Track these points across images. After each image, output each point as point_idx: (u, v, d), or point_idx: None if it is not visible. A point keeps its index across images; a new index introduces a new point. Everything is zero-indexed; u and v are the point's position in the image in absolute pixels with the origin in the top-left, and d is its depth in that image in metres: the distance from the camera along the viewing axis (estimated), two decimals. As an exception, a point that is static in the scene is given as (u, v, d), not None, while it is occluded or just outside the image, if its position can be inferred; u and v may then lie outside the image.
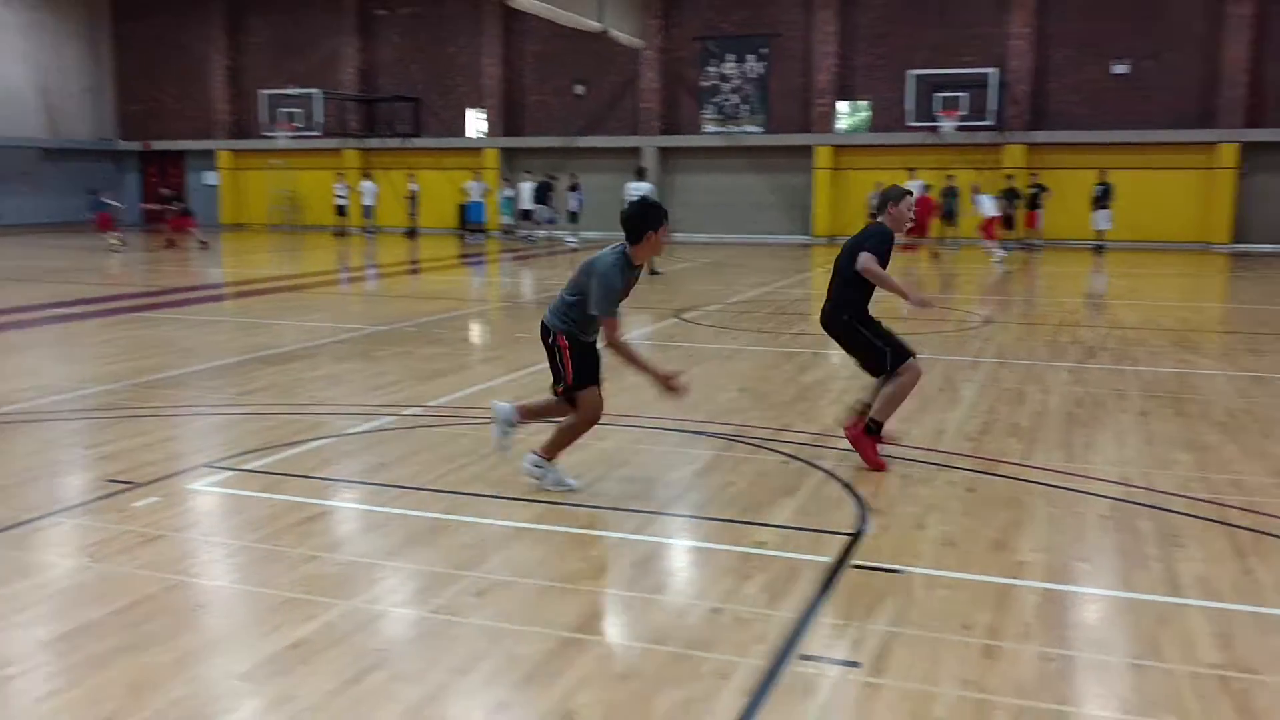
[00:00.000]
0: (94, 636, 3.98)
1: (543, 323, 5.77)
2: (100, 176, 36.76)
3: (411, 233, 30.98)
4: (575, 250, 26.21)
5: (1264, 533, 5.21)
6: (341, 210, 31.30)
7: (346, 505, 5.74)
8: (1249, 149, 25.83)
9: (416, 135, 33.21)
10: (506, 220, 30.57)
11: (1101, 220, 25.19)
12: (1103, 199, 25.16)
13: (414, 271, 21.34)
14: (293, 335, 11.75)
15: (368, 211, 31.10)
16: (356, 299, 16.47)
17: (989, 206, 22.66)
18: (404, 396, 8.43)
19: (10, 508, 5.51)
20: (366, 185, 31.18)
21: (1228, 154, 25.81)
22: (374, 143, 33.74)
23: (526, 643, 3.94)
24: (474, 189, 30.68)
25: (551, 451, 5.83)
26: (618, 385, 8.80)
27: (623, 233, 5.70)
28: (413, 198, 30.99)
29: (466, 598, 4.37)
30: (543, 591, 4.44)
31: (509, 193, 30.40)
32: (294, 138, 32.49)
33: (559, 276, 19.68)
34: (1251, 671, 3.76)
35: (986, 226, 22.67)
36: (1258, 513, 5.51)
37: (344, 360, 10.17)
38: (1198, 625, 4.15)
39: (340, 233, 31.21)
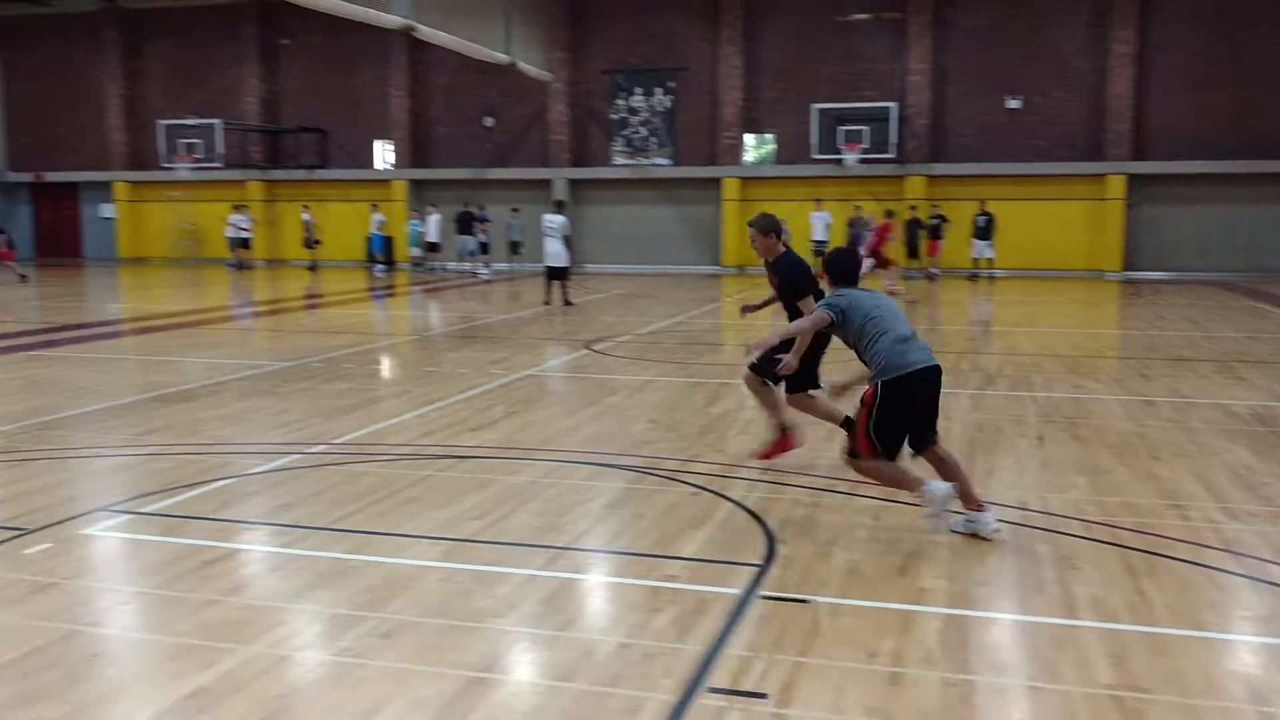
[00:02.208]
0: (-20, 692, 3.83)
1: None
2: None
3: (313, 266, 30.47)
4: (488, 282, 26.11)
5: (1155, 554, 5.40)
6: (245, 243, 30.66)
7: (249, 547, 5.62)
8: (1136, 180, 26.91)
9: (323, 167, 32.81)
10: (415, 252, 30.34)
11: (984, 249, 26.08)
12: (985, 229, 26.07)
13: (321, 305, 21.03)
14: (194, 372, 11.48)
15: (245, 243, 30.47)
16: (261, 334, 16.16)
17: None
18: (309, 434, 8.29)
19: (-110, 558, 5.28)
20: (237, 218, 30.58)
21: (1116, 185, 26.84)
22: (278, 174, 33.24)
23: (433, 684, 3.90)
24: (374, 221, 30.34)
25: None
26: (526, 420, 8.81)
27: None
28: (306, 228, 30.42)
29: (372, 640, 4.30)
30: (449, 631, 4.40)
31: (417, 225, 30.19)
32: (195, 169, 31.81)
33: (468, 308, 19.60)
34: (1145, 691, 3.89)
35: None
36: (1149, 534, 5.71)
37: (248, 397, 9.97)
38: (1093, 646, 4.28)
39: (243, 266, 30.59)
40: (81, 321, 17.63)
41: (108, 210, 35.17)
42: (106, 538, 5.72)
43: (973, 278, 26.20)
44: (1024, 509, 6.23)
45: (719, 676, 3.98)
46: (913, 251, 26.51)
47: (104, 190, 35.01)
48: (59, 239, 36.42)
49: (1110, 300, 21.56)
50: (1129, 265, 27.19)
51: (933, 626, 4.49)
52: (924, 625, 4.50)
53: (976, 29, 27.66)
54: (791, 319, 6.91)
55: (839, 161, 27.86)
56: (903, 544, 5.55)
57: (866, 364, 5.72)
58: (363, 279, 27.64)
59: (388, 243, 30.62)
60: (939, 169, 27.99)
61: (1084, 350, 13.41)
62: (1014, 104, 27.54)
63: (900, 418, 5.61)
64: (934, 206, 27.08)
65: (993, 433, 8.36)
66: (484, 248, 28.64)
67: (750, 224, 7.26)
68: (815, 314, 5.88)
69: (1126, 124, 26.70)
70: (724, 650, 4.20)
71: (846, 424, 6.14)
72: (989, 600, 4.87)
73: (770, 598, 4.79)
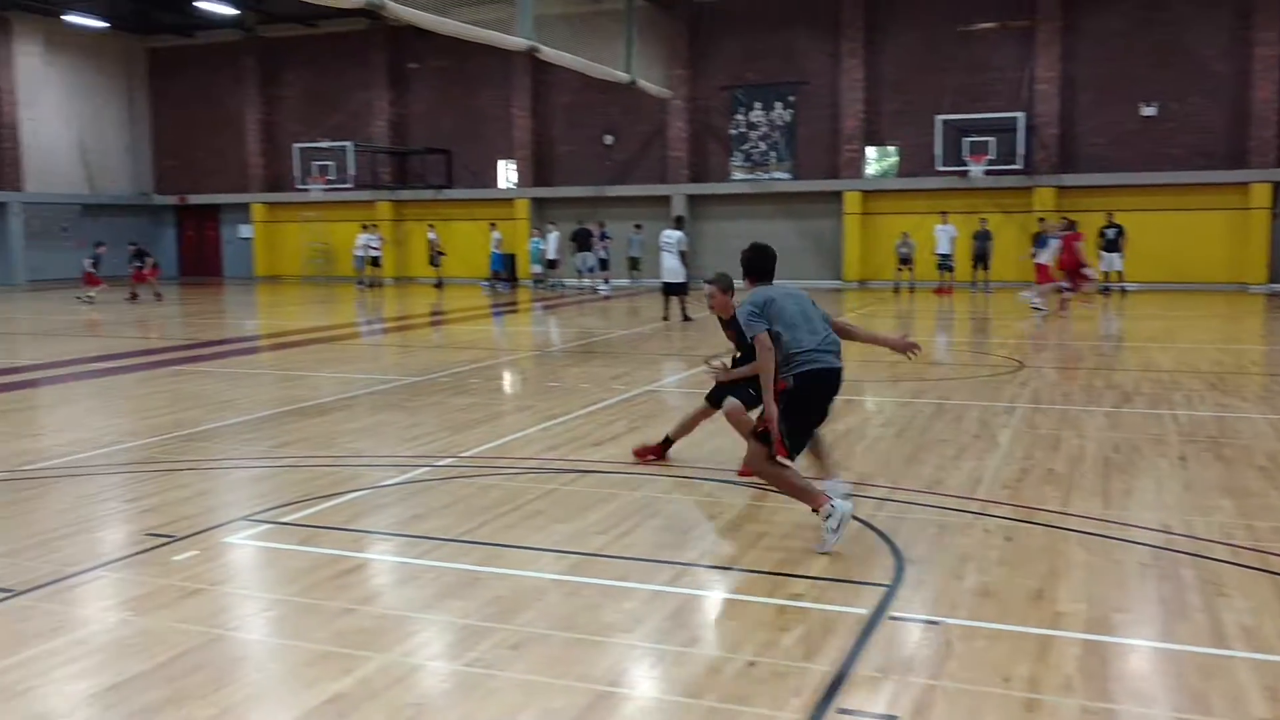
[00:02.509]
0: (138, 690, 4.01)
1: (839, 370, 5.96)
2: (137, 231, 37.48)
3: (438, 283, 31.22)
4: (607, 298, 26.33)
5: (1309, 581, 5.13)
6: (375, 261, 31.57)
7: (382, 558, 5.77)
8: (1282, 189, 25.71)
9: (448, 186, 33.62)
10: (536, 269, 30.81)
11: (1114, 262, 25.11)
12: (1114, 241, 25.11)
13: (445, 322, 21.51)
14: (328, 387, 11.87)
15: (375, 261, 31.40)
16: (390, 349, 16.61)
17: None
18: (438, 447, 8.48)
19: (53, 562, 5.58)
20: (367, 238, 31.54)
21: (1260, 194, 25.65)
22: (406, 194, 34.19)
23: (562, 697, 3.94)
24: (493, 239, 30.94)
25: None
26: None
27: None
28: (432, 246, 31.20)
29: (502, 651, 4.37)
30: (577, 644, 4.44)
31: (538, 243, 30.69)
32: (327, 190, 32.95)
33: (588, 324, 19.80)
34: (1300, 725, 3.70)
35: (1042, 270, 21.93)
36: (1302, 560, 5.42)
37: (379, 411, 10.26)
38: (1246, 678, 4.08)
39: (372, 284, 31.51)
40: (222, 338, 18.39)
41: (246, 231, 36.69)
42: (248, 546, 5.95)
43: (1103, 291, 25.33)
44: (1166, 532, 5.99)
45: (849, 698, 3.92)
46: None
47: (242, 211, 36.56)
48: (200, 259, 38.15)
49: (1254, 314, 20.60)
50: (1275, 277, 25.93)
51: (1070, 652, 4.34)
52: (1061, 651, 4.35)
53: (1108, 34, 26.82)
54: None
55: (964, 173, 27.31)
56: (1037, 566, 5.39)
57: (780, 361, 5.82)
58: (486, 296, 28.18)
59: (507, 260, 31.17)
60: (1068, 179, 27.20)
61: (1227, 366, 12.84)
62: (1148, 111, 26.59)
63: (807, 417, 5.86)
64: (1063, 218, 26.25)
65: (1130, 452, 8.06)
66: (603, 264, 28.94)
67: (710, 282, 7.36)
68: (759, 341, 5.82)
69: (1272, 129, 25.51)
70: (854, 671, 4.14)
71: (759, 435, 5.87)
72: (1130, 626, 4.68)
73: (900, 619, 4.71)
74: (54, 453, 8.43)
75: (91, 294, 25.23)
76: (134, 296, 26.35)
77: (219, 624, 4.74)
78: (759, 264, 6.30)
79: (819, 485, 5.85)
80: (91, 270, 25.97)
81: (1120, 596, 5.00)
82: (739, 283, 6.88)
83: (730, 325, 7.27)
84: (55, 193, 34.47)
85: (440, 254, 30.94)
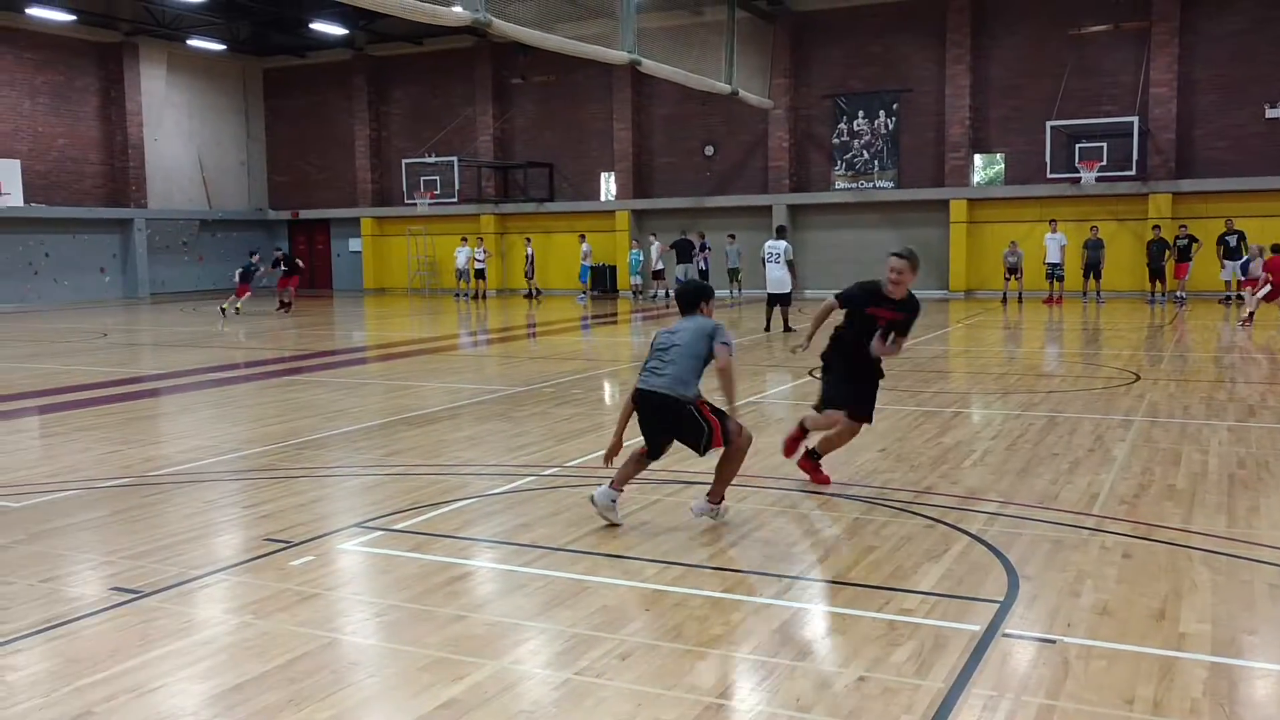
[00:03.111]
0: (259, 691, 4.14)
1: (668, 398, 6.22)
2: (254, 246, 38.78)
3: (530, 294, 31.67)
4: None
5: None
6: (480, 274, 32.14)
7: (491, 565, 5.85)
8: None
9: (550, 199, 34.03)
10: (636, 281, 31.00)
11: (1237, 270, 24.13)
12: (1236, 249, 24.15)
13: (547, 333, 21.74)
14: (435, 397, 12.09)
15: (480, 274, 31.98)
16: (494, 360, 16.85)
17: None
18: (543, 457, 8.58)
19: (177, 565, 5.79)
20: (463, 250, 32.16)
21: (1392, 198, 24.47)
22: (509, 207, 34.70)
23: (671, 708, 3.94)
24: (582, 251, 31.19)
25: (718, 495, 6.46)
26: (753, 446, 8.80)
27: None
28: (530, 260, 31.65)
29: (611, 660, 4.39)
30: (685, 655, 4.44)
31: (637, 254, 30.90)
32: (433, 204, 33.64)
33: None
34: None
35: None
36: None
37: (484, 421, 10.41)
38: (1385, 705, 3.88)
39: (475, 295, 32.08)
40: (333, 349, 18.89)
41: (355, 244, 37.65)
42: (361, 552, 6.09)
43: (1224, 300, 24.42)
44: (1297, 551, 5.73)
45: (962, 716, 3.84)
46: (1157, 274, 25.00)
47: (352, 226, 37.53)
48: (312, 272, 39.27)
49: (1388, 324, 19.60)
50: None
51: (1196, 675, 4.18)
52: (1186, 673, 4.20)
53: (1228, 35, 25.89)
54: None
55: (1075, 180, 26.63)
56: (1157, 585, 5.21)
57: None
58: (587, 308, 28.40)
59: (600, 271, 31.49)
60: (1186, 185, 26.30)
61: (1360, 379, 12.25)
62: (1274, 113, 25.56)
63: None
64: (1181, 226, 25.41)
65: (1256, 468, 7.75)
66: (703, 275, 28.92)
67: (902, 256, 7.21)
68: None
69: (1404, 130, 24.32)
70: (968, 689, 4.05)
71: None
72: (1260, 649, 4.49)
73: (1015, 636, 4.60)
74: (176, 459, 8.76)
75: (239, 304, 25.87)
76: (284, 305, 26.65)
77: (334, 628, 4.86)
78: (687, 298, 6.68)
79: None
80: (244, 280, 26.33)
81: (1249, 618, 4.80)
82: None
83: (901, 308, 7.36)
84: (176, 209, 35.88)
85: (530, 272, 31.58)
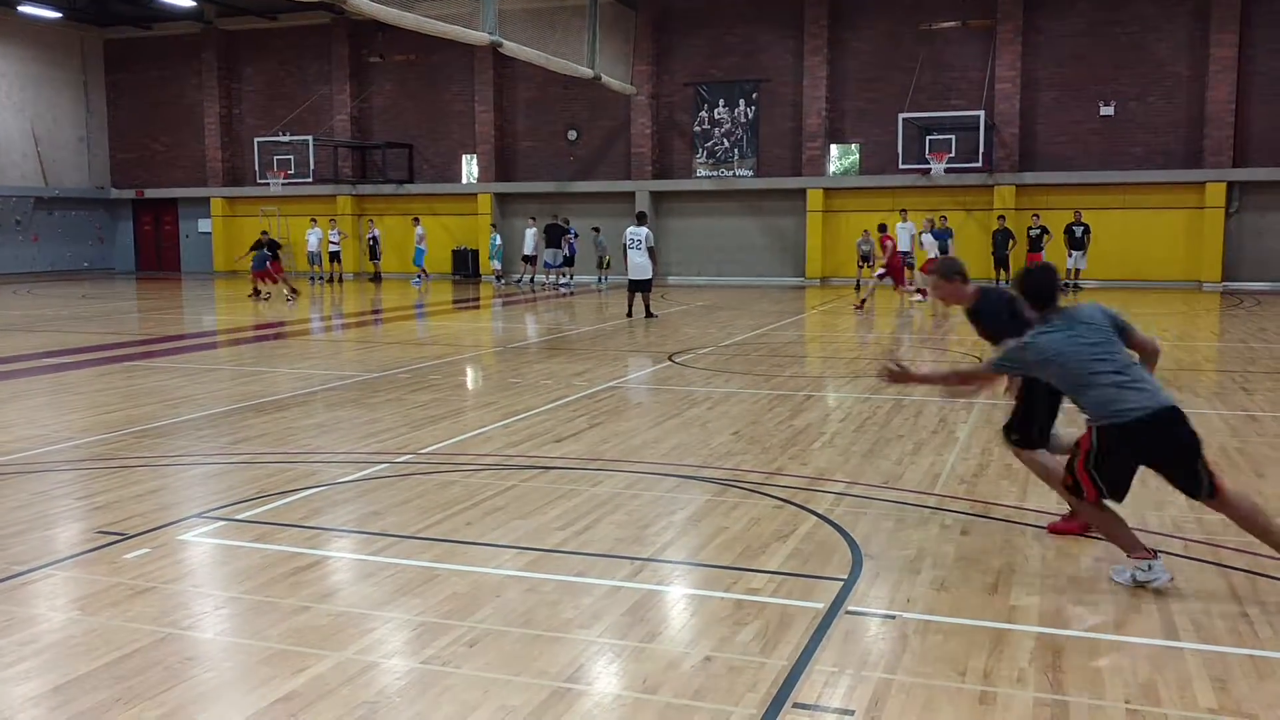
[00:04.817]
0: (86, 690, 3.95)
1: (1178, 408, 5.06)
2: (93, 225, 36.97)
3: (375, 278, 31.17)
4: (570, 295, 26.29)
5: (1259, 574, 5.20)
6: (336, 256, 31.42)
7: (338, 555, 5.71)
8: (1236, 188, 26.10)
9: (410, 181, 33.40)
10: (496, 265, 30.83)
11: (1079, 260, 25.54)
12: (1080, 239, 25.53)
13: (403, 318, 21.37)
14: (285, 383, 11.75)
15: (335, 256, 31.42)
16: (349, 345, 16.48)
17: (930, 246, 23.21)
18: (397, 444, 8.42)
19: (2, 559, 5.48)
20: (315, 233, 31.49)
21: (1215, 193, 26.04)
22: (367, 189, 33.93)
23: (519, 694, 3.92)
24: (416, 234, 30.70)
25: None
26: (609, 431, 8.84)
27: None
28: (374, 242, 31.11)
29: (458, 648, 4.34)
30: (534, 641, 4.42)
31: (496, 239, 30.72)
32: (287, 184, 32.62)
33: (551, 321, 19.75)
34: (1251, 716, 3.75)
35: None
36: (1252, 553, 5.48)
37: (337, 408, 10.17)
38: (1193, 668, 4.13)
39: (331, 279, 31.33)
40: (180, 333, 18.16)
41: (204, 225, 36.26)
42: (202, 543, 5.87)
43: (1064, 288, 25.61)
44: (1138, 529, 6.03)
45: (805, 692, 3.93)
46: (1001, 263, 26.03)
47: (202, 206, 36.10)
48: (158, 253, 37.68)
49: (1209, 311, 20.89)
50: (1229, 275, 26.34)
51: (1025, 645, 4.38)
52: (1015, 644, 4.39)
53: (1068, 35, 27.10)
54: None
55: (926, 171, 27.50)
56: (991, 561, 5.43)
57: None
58: (446, 291, 28.04)
59: (458, 255, 31.31)
60: (1029, 178, 27.46)
61: (1182, 363, 13.02)
62: (1107, 111, 26.90)
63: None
64: (1034, 216, 26.44)
65: (1086, 447, 8.14)
66: (568, 260, 28.91)
67: (932, 272, 6.33)
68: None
69: (1227, 130, 25.88)
70: (810, 665, 4.14)
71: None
72: (1083, 620, 4.72)
73: (857, 613, 4.73)
74: (5, 449, 8.28)
75: (268, 290, 24.56)
76: (257, 294, 24.73)
77: (170, 622, 4.67)
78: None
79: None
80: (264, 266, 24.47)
81: (1075, 591, 5.04)
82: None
83: (972, 319, 6.31)
84: (8, 185, 33.87)
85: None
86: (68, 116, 36.18)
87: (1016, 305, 5.69)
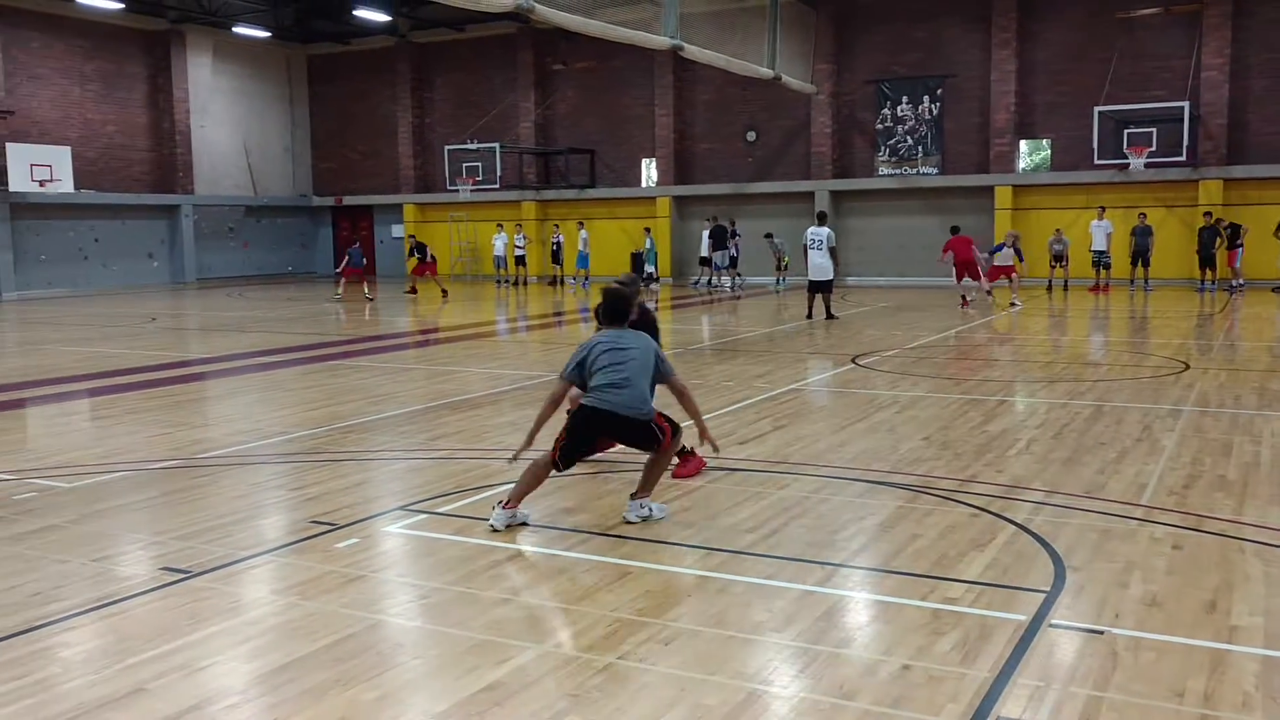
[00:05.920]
0: (308, 670, 4.19)
1: (630, 419, 6.17)
2: (297, 231, 39.15)
3: (554, 281, 31.79)
4: (738, 297, 26.22)
5: None
6: (521, 260, 32.31)
7: (535, 549, 5.87)
8: None
9: (592, 186, 34.03)
10: (650, 269, 31.12)
11: None
12: None
13: (583, 320, 21.75)
14: (476, 382, 12.15)
15: (520, 260, 32.19)
16: (535, 346, 16.90)
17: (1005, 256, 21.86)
18: (585, 443, 8.57)
19: (225, 546, 5.87)
20: (500, 237, 32.47)
21: None
22: (550, 194, 34.74)
23: (714, 693, 3.94)
24: (580, 239, 31.28)
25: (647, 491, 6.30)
26: (793, 434, 8.77)
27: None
28: (557, 246, 31.77)
29: (654, 645, 4.40)
30: (728, 642, 4.43)
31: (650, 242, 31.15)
32: (475, 190, 33.73)
33: (728, 322, 19.75)
34: None
35: (993, 274, 21.91)
36: None
37: (526, 406, 10.43)
38: None
39: (516, 282, 32.22)
40: (377, 334, 19.03)
41: (398, 230, 37.88)
42: (406, 535, 6.14)
43: (1278, 289, 23.96)
44: (1352, 544, 5.62)
45: (1009, 706, 3.81)
46: (1208, 262, 24.55)
47: (395, 212, 37.74)
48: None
49: None
50: None
51: (1249, 668, 4.12)
52: (1238, 666, 4.14)
53: (1283, 18, 25.35)
54: None
55: (1123, 166, 26.22)
56: (1207, 577, 5.14)
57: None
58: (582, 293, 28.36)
59: (635, 258, 31.70)
60: (1237, 172, 25.81)
61: None
62: (1328, 98, 25.04)
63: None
64: (1218, 220, 24.85)
65: (1310, 459, 7.60)
66: (733, 262, 28.87)
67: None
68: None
69: None
70: (1014, 679, 4.01)
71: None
72: (1314, 643, 4.41)
73: (1061, 626, 4.55)
74: (224, 442, 8.87)
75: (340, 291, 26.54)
76: (414, 290, 27.95)
77: (380, 610, 4.90)
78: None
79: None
80: (350, 266, 26.64)
81: (1302, 611, 4.72)
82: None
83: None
84: (223, 195, 36.25)
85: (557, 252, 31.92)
86: (274, 129, 38.43)
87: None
